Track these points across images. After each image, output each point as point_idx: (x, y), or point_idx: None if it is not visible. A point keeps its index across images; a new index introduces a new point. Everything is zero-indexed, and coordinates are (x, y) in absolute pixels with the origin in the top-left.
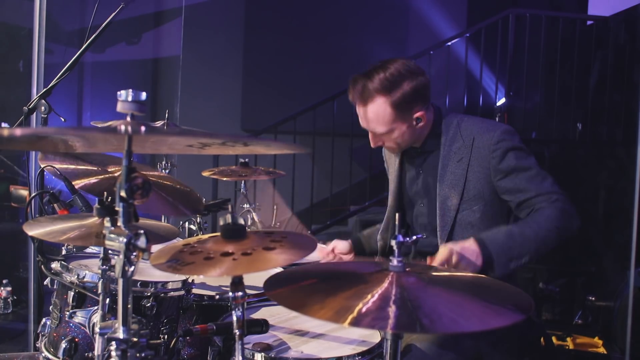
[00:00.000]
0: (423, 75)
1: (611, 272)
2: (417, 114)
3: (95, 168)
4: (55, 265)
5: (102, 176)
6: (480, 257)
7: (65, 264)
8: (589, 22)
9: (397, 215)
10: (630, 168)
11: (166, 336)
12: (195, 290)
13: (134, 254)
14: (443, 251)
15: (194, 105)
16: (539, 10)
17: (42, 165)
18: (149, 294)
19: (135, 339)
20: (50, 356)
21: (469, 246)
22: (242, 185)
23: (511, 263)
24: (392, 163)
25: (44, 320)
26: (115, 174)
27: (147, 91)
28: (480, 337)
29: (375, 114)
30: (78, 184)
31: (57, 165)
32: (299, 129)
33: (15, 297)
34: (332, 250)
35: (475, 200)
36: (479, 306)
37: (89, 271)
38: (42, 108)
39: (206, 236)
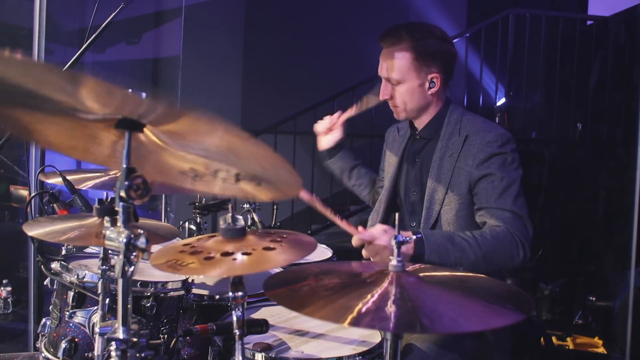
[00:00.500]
0: (451, 47)
1: (611, 272)
2: (433, 75)
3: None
4: (55, 265)
5: (104, 179)
6: (411, 250)
7: (65, 264)
8: (589, 22)
9: (396, 215)
10: (630, 168)
11: (166, 336)
12: (195, 290)
13: (134, 254)
14: (378, 229)
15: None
16: (539, 10)
17: (41, 168)
18: (149, 294)
19: (135, 339)
20: (50, 356)
21: (405, 233)
22: None
23: (441, 266)
24: (389, 152)
25: (44, 320)
26: (117, 175)
27: (147, 91)
28: (480, 337)
29: (395, 57)
30: (82, 186)
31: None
32: (299, 129)
33: (15, 297)
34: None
35: (455, 197)
36: (479, 306)
37: (89, 271)
38: None
39: (206, 236)
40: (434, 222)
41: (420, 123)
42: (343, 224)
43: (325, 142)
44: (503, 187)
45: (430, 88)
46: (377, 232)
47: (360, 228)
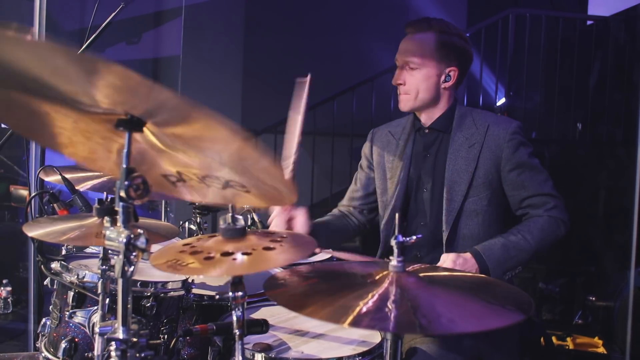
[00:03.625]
0: (470, 50)
1: (611, 272)
2: (451, 69)
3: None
4: (55, 265)
5: (103, 179)
6: (477, 270)
7: (65, 264)
8: (589, 22)
9: (397, 215)
10: (630, 168)
11: (166, 336)
12: (195, 290)
13: (134, 254)
14: (446, 260)
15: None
16: (539, 10)
17: (41, 169)
18: (149, 294)
19: (135, 339)
20: (50, 356)
21: (468, 259)
22: None
23: (505, 274)
24: (391, 151)
25: (44, 320)
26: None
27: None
28: (480, 337)
29: (420, 42)
30: (82, 187)
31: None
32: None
33: (15, 297)
34: (289, 220)
35: (483, 188)
36: (479, 306)
37: (89, 271)
38: None
39: (206, 236)
40: (456, 215)
41: (428, 117)
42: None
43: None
44: (536, 175)
45: (445, 81)
46: (448, 266)
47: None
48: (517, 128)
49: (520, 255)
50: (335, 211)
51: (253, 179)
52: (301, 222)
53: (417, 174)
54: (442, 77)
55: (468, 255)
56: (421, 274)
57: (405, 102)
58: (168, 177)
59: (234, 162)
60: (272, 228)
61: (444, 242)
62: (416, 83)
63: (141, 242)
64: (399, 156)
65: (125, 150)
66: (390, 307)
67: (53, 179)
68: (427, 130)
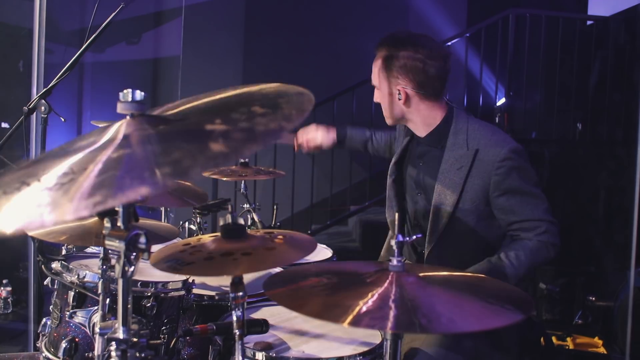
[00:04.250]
0: (433, 61)
1: (611, 272)
2: (398, 88)
3: None
4: (55, 265)
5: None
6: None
7: (65, 264)
8: (589, 22)
9: (396, 215)
10: (630, 168)
11: (166, 336)
12: (195, 290)
13: (134, 254)
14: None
15: None
16: (539, 10)
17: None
18: (149, 294)
19: (135, 339)
20: (50, 356)
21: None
22: (242, 185)
23: None
24: (399, 140)
25: (44, 320)
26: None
27: (147, 91)
28: (480, 338)
29: (375, 63)
30: None
31: None
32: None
33: (15, 297)
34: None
35: (469, 212)
36: (478, 306)
37: (89, 271)
38: (42, 108)
39: (206, 236)
40: (440, 234)
41: (416, 130)
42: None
43: (325, 142)
44: (528, 199)
45: (399, 99)
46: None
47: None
48: (510, 153)
49: (504, 280)
50: (388, 134)
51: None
52: (321, 131)
53: (410, 177)
54: (395, 96)
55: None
56: (421, 274)
57: (385, 119)
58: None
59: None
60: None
61: (425, 256)
62: (381, 101)
63: (141, 243)
64: (397, 153)
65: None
66: (390, 306)
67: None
68: (421, 141)
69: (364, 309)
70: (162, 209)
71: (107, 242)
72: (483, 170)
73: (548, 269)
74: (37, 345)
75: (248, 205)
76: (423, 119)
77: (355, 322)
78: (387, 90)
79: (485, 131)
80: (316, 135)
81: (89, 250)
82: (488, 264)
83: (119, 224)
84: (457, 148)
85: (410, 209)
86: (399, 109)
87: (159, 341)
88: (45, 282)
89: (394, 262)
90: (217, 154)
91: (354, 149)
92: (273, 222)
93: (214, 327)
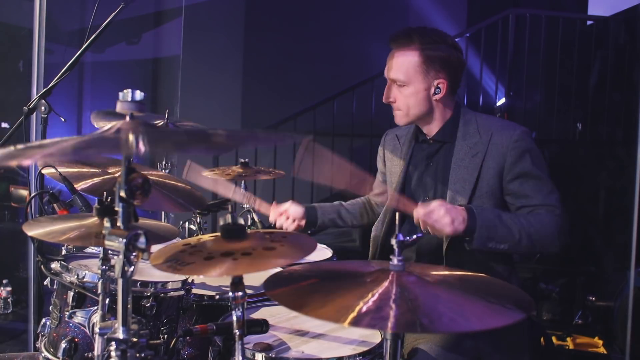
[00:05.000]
0: (461, 55)
1: (611, 272)
2: (439, 81)
3: (96, 170)
4: (55, 265)
5: (103, 177)
6: (464, 223)
7: (65, 264)
8: (589, 22)
9: (397, 215)
10: (630, 168)
11: (166, 336)
12: (195, 290)
13: (134, 254)
14: (434, 204)
15: (194, 105)
16: (539, 10)
17: (42, 167)
18: (148, 294)
19: (135, 339)
20: (50, 356)
21: (459, 210)
22: (242, 185)
23: (490, 242)
24: (394, 157)
25: (43, 320)
26: (116, 175)
27: (147, 91)
28: (480, 338)
29: (403, 58)
30: (80, 186)
31: (58, 168)
32: (299, 129)
33: (15, 297)
34: (285, 212)
35: (486, 197)
36: (479, 306)
37: (89, 271)
38: (42, 108)
39: (206, 236)
40: None
41: (429, 129)
42: (399, 205)
43: (292, 218)
44: (541, 185)
45: (435, 94)
46: (434, 206)
47: (420, 204)
48: (522, 134)
49: (511, 231)
50: (360, 199)
51: None
52: (293, 208)
53: (418, 182)
54: (432, 90)
55: (460, 207)
56: (421, 274)
57: (400, 119)
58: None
59: None
60: (277, 224)
61: (444, 253)
62: (405, 100)
63: (141, 242)
64: (400, 162)
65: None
66: (390, 306)
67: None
68: (431, 141)
69: (365, 308)
70: None
71: (107, 242)
72: (498, 153)
73: (548, 269)
74: (37, 345)
75: (248, 205)
76: (442, 114)
77: (355, 322)
78: (423, 85)
79: (494, 119)
80: (289, 209)
81: (89, 250)
82: (497, 210)
83: (119, 223)
84: (469, 137)
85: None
86: (429, 106)
87: (158, 341)
88: (45, 282)
89: (394, 261)
90: None
91: (324, 225)
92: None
93: (214, 327)
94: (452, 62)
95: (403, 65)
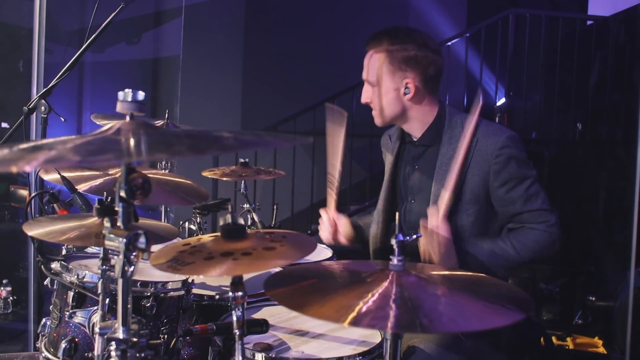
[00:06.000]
0: (436, 56)
1: (611, 272)
2: (407, 81)
3: (97, 172)
4: (55, 265)
5: (104, 179)
6: (456, 264)
7: (65, 264)
8: (589, 22)
9: (397, 214)
10: (630, 168)
11: (166, 336)
12: (195, 290)
13: (134, 254)
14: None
15: (194, 105)
16: (539, 10)
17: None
18: (148, 294)
19: (135, 339)
20: (50, 356)
21: (452, 251)
22: (242, 185)
23: (485, 272)
24: (388, 156)
25: (44, 320)
26: (117, 176)
27: (147, 91)
28: (480, 337)
29: (373, 59)
30: (82, 187)
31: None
32: (299, 129)
33: (15, 297)
34: (335, 224)
35: (470, 204)
36: (479, 306)
37: (89, 271)
38: (42, 108)
39: (206, 236)
40: None
41: (411, 129)
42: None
43: (345, 238)
44: (527, 189)
45: (405, 94)
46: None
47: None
48: (508, 140)
49: (503, 263)
50: None
51: None
52: (343, 224)
53: (404, 184)
54: (401, 90)
55: (452, 250)
56: (421, 274)
57: (376, 119)
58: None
59: None
60: (324, 239)
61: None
62: (378, 101)
63: (141, 242)
64: (389, 161)
65: None
66: (390, 306)
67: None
68: (416, 144)
69: (365, 308)
70: (162, 209)
71: (107, 242)
72: (482, 159)
73: (548, 269)
74: (37, 345)
75: (248, 205)
76: (422, 116)
77: (355, 322)
78: (392, 85)
79: (482, 123)
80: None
81: (89, 250)
82: (489, 244)
83: (119, 223)
84: (454, 141)
85: (406, 218)
86: (401, 106)
87: (158, 341)
88: (45, 282)
89: (394, 261)
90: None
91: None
92: (273, 222)
93: (214, 327)
94: (419, 61)
95: (373, 66)
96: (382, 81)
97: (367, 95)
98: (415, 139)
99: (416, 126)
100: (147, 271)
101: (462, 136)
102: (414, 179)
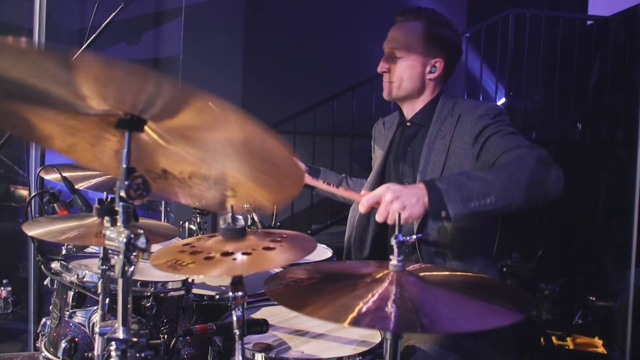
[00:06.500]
0: (460, 44)
1: (611, 272)
2: (437, 60)
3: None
4: (55, 265)
5: (104, 177)
6: (425, 195)
7: (65, 263)
8: (589, 22)
9: (397, 214)
10: (630, 168)
11: (166, 336)
12: (195, 290)
13: (134, 254)
14: (379, 190)
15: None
16: (539, 10)
17: (41, 169)
18: (148, 294)
19: (135, 339)
20: (50, 356)
21: (413, 186)
22: None
23: (471, 202)
24: (380, 141)
25: (43, 320)
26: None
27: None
28: (480, 337)
29: (406, 31)
30: (82, 185)
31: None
32: (299, 129)
33: (15, 297)
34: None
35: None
36: (479, 306)
37: (89, 271)
38: None
39: (206, 236)
40: None
41: (410, 110)
42: (345, 193)
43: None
44: (508, 134)
45: (430, 72)
46: (380, 191)
47: (363, 191)
48: (487, 109)
49: (488, 181)
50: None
51: (256, 163)
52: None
53: (398, 168)
54: (428, 68)
55: (413, 184)
56: (421, 274)
57: (389, 91)
58: (150, 174)
59: (237, 146)
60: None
61: (417, 247)
62: (400, 72)
63: (141, 242)
64: (383, 148)
65: (125, 150)
66: (390, 306)
67: (53, 177)
68: (408, 124)
69: (365, 309)
70: (162, 208)
71: (107, 241)
72: (463, 131)
73: (548, 269)
74: (37, 345)
75: (248, 205)
76: (427, 95)
77: (355, 322)
78: (421, 61)
79: (468, 101)
80: None
81: (89, 250)
82: (466, 172)
83: (119, 223)
84: (441, 120)
85: None
86: (422, 83)
87: (158, 341)
88: (45, 282)
89: (394, 261)
90: None
91: (321, 187)
92: (273, 222)
93: (214, 327)
94: (452, 46)
95: (405, 36)
96: (412, 53)
97: (385, 65)
98: (407, 120)
99: (416, 106)
100: (147, 271)
101: (449, 115)
102: (406, 162)
